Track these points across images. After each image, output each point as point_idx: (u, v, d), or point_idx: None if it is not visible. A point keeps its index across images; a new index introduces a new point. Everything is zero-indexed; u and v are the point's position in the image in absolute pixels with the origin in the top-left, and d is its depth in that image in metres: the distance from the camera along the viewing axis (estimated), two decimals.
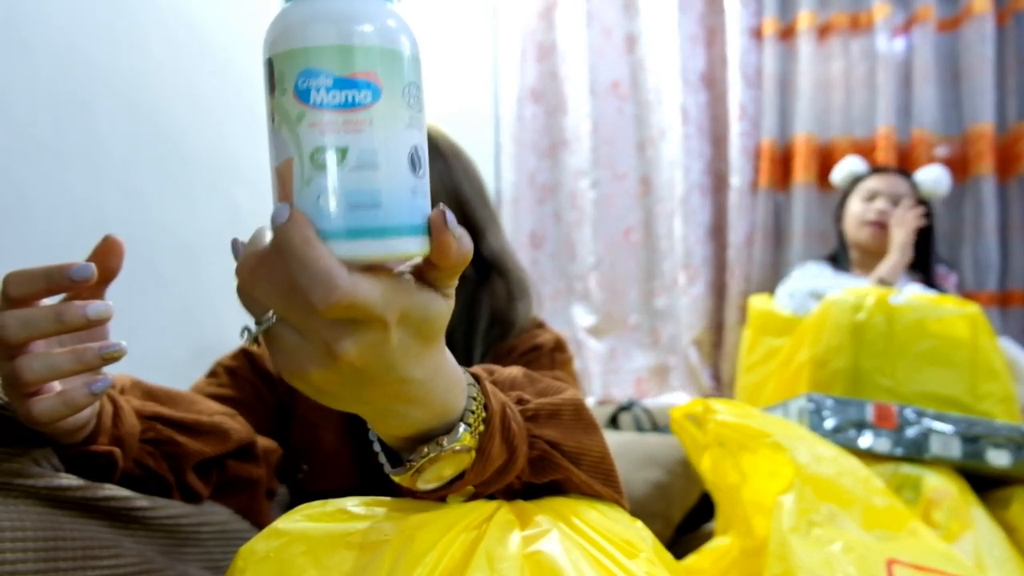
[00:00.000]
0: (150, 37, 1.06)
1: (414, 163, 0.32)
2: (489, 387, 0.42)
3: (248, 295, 0.33)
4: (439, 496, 0.42)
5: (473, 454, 0.39)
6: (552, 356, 0.75)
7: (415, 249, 0.32)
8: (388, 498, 0.43)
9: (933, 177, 1.67)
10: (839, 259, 1.73)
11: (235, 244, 0.35)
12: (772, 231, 2.02)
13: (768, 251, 2.01)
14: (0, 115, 0.84)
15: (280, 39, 0.31)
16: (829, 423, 1.12)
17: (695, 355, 2.02)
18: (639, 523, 0.47)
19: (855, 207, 1.67)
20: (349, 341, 0.31)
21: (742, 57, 2.04)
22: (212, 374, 0.76)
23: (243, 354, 0.78)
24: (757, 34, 2.08)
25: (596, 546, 0.40)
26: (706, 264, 2.06)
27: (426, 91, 0.34)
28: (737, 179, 2.03)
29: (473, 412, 0.39)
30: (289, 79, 0.30)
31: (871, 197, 1.65)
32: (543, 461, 0.45)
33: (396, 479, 0.40)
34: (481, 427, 0.40)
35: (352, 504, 0.42)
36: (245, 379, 0.75)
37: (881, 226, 1.60)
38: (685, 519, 1.32)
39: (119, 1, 1.01)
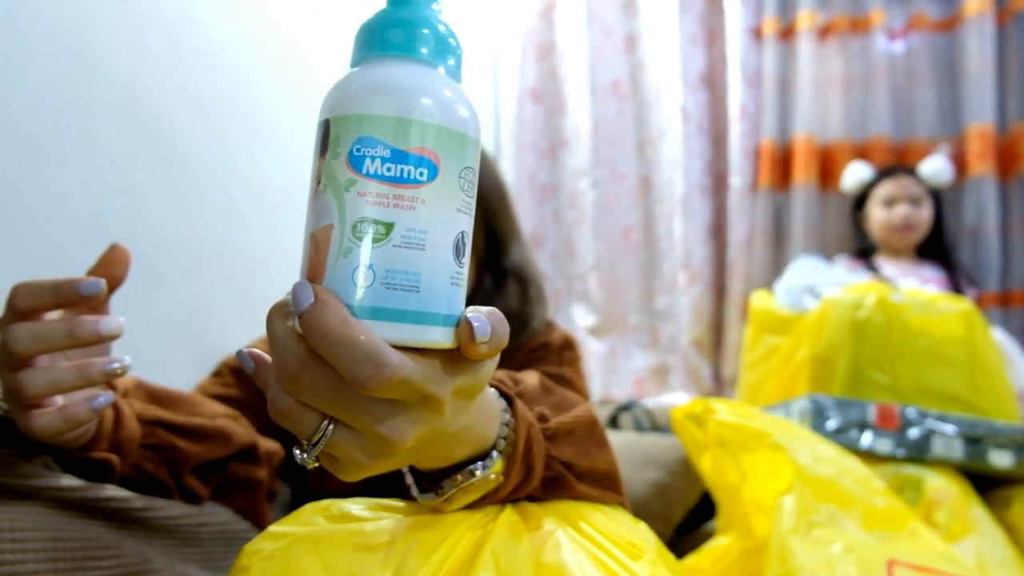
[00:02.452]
0: (150, 37, 1.05)
1: (458, 250, 0.30)
2: (520, 409, 0.41)
3: (292, 410, 0.29)
4: (452, 509, 0.42)
5: (501, 479, 0.39)
6: (560, 354, 0.74)
7: (444, 341, 0.30)
8: (392, 500, 0.43)
9: (935, 168, 1.77)
10: (867, 254, 1.82)
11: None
12: (772, 231, 2.02)
13: (768, 251, 2.01)
14: (0, 115, 0.84)
15: (341, 103, 0.29)
16: (831, 424, 1.12)
17: (695, 355, 2.01)
18: (642, 525, 0.47)
19: (878, 214, 1.79)
20: (407, 427, 0.29)
21: (742, 57, 2.03)
22: (217, 374, 0.76)
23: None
24: (757, 34, 2.08)
25: (600, 547, 0.40)
26: (706, 264, 2.06)
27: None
28: (737, 179, 2.03)
29: (505, 439, 0.39)
30: (344, 144, 0.29)
31: (890, 202, 1.77)
32: (556, 481, 0.44)
33: (424, 504, 0.39)
34: (510, 449, 0.39)
35: (357, 505, 0.42)
36: (249, 380, 0.75)
37: (909, 228, 1.74)
38: (685, 519, 1.32)
39: (119, 1, 1.00)
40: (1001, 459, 1.09)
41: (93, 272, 0.46)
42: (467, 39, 2.03)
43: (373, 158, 0.28)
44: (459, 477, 0.38)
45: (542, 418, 0.46)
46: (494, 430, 0.38)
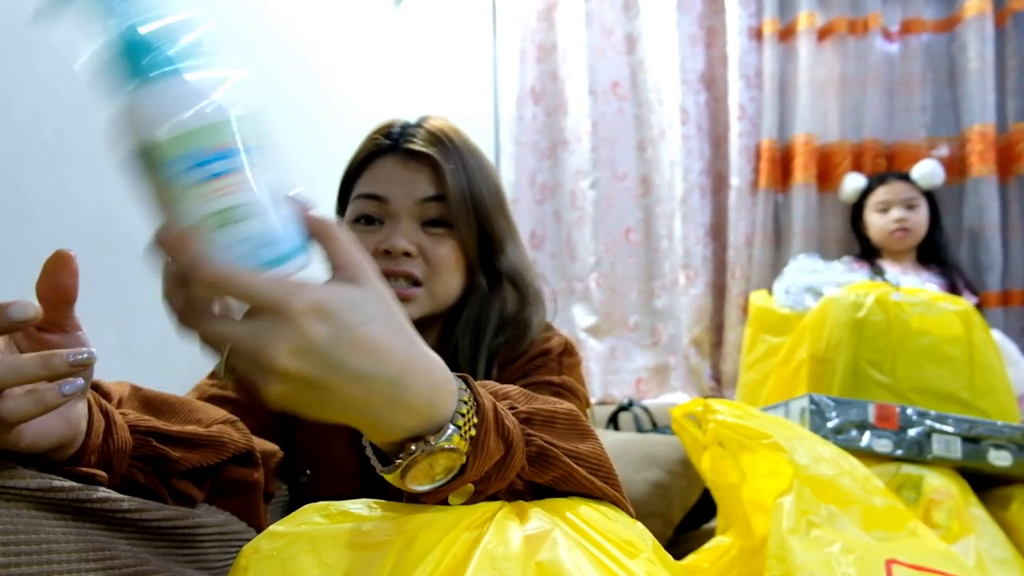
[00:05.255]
0: None
1: (274, 199, 0.37)
2: (478, 387, 0.42)
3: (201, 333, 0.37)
4: (439, 499, 0.42)
5: (464, 457, 0.40)
6: (560, 360, 0.73)
7: (306, 262, 0.37)
8: (392, 502, 0.43)
9: (927, 171, 1.82)
10: (869, 255, 1.87)
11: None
12: (772, 231, 2.02)
13: (768, 251, 2.01)
14: (0, 115, 0.84)
15: (131, 134, 0.35)
16: (830, 423, 1.12)
17: (695, 355, 2.02)
18: (639, 524, 0.47)
19: (876, 220, 1.84)
20: (275, 345, 0.34)
21: (742, 57, 2.04)
22: (213, 375, 0.76)
23: None
24: (757, 35, 2.08)
25: (597, 546, 0.40)
26: (706, 264, 2.06)
27: (262, 121, 0.39)
28: (737, 179, 2.03)
29: (463, 415, 0.40)
30: (159, 169, 0.35)
31: (885, 208, 1.82)
32: (542, 458, 0.45)
33: (387, 478, 0.41)
34: (473, 431, 0.40)
35: (355, 505, 0.42)
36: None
37: (904, 230, 1.79)
38: (685, 519, 1.32)
39: None
40: (1000, 459, 1.10)
41: (38, 286, 0.42)
42: (467, 39, 2.03)
43: (185, 171, 0.35)
44: (412, 446, 0.38)
45: (513, 408, 0.46)
46: (445, 402, 0.39)
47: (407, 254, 0.71)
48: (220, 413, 0.62)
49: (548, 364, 0.73)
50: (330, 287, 0.36)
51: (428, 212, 0.72)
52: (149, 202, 0.37)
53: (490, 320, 0.75)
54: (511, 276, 0.76)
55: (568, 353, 0.75)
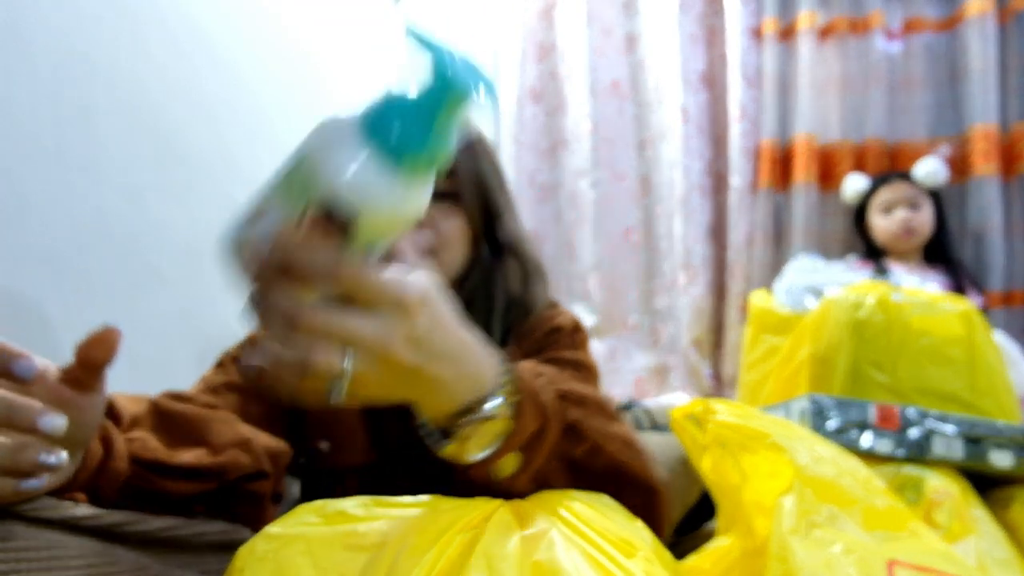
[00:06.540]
0: (150, 38, 1.05)
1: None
2: (516, 364, 0.46)
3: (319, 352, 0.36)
4: (486, 473, 0.46)
5: (510, 422, 0.44)
6: (572, 337, 0.76)
7: None
8: (387, 498, 0.43)
9: (930, 170, 1.79)
10: (873, 255, 1.85)
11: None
12: (772, 231, 2.02)
13: (768, 251, 2.01)
14: (0, 115, 0.84)
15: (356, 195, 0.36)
16: (831, 424, 1.12)
17: (695, 355, 2.01)
18: (638, 522, 0.47)
19: (879, 222, 1.81)
20: (393, 336, 0.37)
21: (742, 57, 2.03)
22: (220, 364, 0.76)
23: (250, 343, 0.78)
24: (757, 34, 2.08)
25: (594, 545, 0.40)
26: (706, 264, 2.06)
27: None
28: (737, 179, 2.02)
29: (505, 384, 0.44)
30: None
31: (889, 208, 1.80)
32: (574, 431, 0.49)
33: (446, 452, 0.44)
34: (514, 397, 0.44)
35: (351, 505, 0.42)
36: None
37: (908, 231, 1.77)
38: (685, 519, 1.32)
39: (119, 1, 1.01)
40: (1001, 459, 1.09)
41: (79, 351, 0.43)
42: (467, 39, 2.03)
43: None
44: (469, 416, 0.42)
45: (551, 382, 0.50)
46: (490, 373, 0.43)
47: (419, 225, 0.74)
48: (235, 433, 0.61)
49: (562, 340, 0.76)
50: (421, 278, 0.39)
51: (438, 186, 0.75)
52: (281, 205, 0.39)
53: (497, 291, 0.78)
54: (512, 247, 0.80)
55: (578, 330, 0.79)
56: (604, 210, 2.11)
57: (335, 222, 0.36)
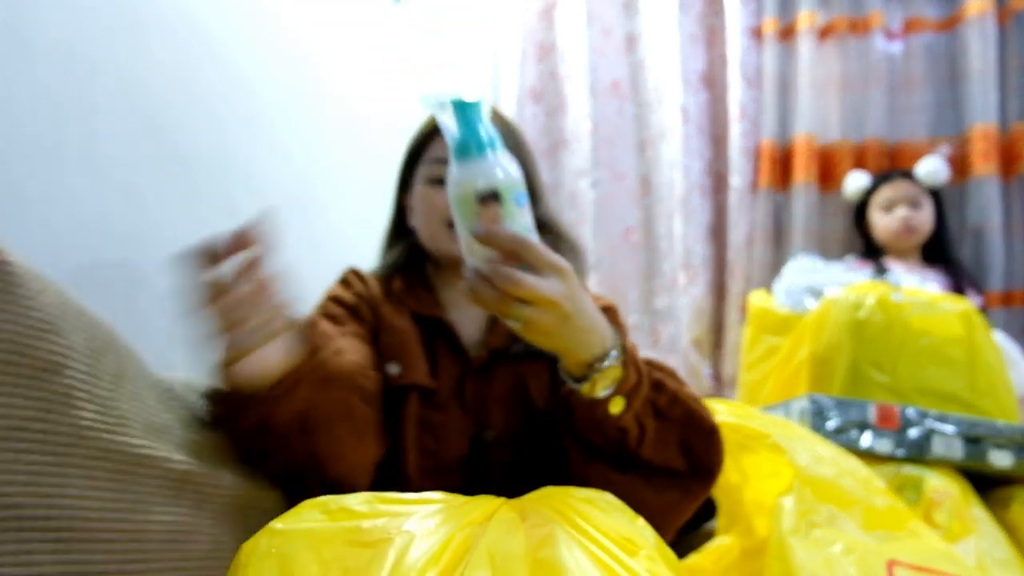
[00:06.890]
0: (150, 37, 1.05)
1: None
2: (619, 332, 0.62)
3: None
4: (604, 409, 0.60)
5: (621, 371, 0.60)
6: (618, 319, 0.81)
7: None
8: (391, 495, 0.44)
9: (932, 169, 1.78)
10: (873, 254, 1.84)
11: None
12: (772, 231, 2.02)
13: (768, 251, 2.01)
14: (0, 115, 0.84)
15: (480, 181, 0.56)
16: (831, 424, 1.12)
17: (695, 355, 2.01)
18: (641, 521, 0.47)
19: (880, 220, 1.81)
20: (559, 292, 0.53)
21: (742, 57, 2.03)
22: (333, 318, 0.79)
23: (346, 289, 0.84)
24: (757, 34, 2.08)
25: (597, 544, 0.40)
26: (706, 264, 2.06)
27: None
28: (737, 179, 2.02)
29: (616, 346, 0.60)
30: (503, 200, 0.56)
31: (890, 206, 1.79)
32: (658, 385, 0.65)
33: (582, 390, 0.60)
34: (623, 350, 0.60)
35: (355, 502, 0.42)
36: (358, 314, 0.82)
37: (909, 229, 1.76)
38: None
39: (119, 1, 1.01)
40: (1001, 459, 1.09)
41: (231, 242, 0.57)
42: (467, 39, 2.02)
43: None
44: (596, 365, 0.58)
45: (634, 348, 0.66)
46: (610, 332, 0.60)
47: None
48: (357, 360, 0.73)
49: (614, 321, 0.79)
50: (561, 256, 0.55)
51: None
52: (461, 220, 0.56)
53: None
54: (549, 224, 0.86)
55: (618, 313, 0.84)
56: (604, 210, 2.11)
57: (491, 206, 0.53)
